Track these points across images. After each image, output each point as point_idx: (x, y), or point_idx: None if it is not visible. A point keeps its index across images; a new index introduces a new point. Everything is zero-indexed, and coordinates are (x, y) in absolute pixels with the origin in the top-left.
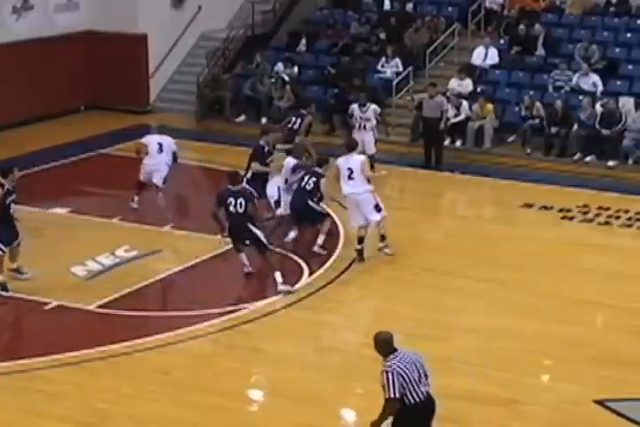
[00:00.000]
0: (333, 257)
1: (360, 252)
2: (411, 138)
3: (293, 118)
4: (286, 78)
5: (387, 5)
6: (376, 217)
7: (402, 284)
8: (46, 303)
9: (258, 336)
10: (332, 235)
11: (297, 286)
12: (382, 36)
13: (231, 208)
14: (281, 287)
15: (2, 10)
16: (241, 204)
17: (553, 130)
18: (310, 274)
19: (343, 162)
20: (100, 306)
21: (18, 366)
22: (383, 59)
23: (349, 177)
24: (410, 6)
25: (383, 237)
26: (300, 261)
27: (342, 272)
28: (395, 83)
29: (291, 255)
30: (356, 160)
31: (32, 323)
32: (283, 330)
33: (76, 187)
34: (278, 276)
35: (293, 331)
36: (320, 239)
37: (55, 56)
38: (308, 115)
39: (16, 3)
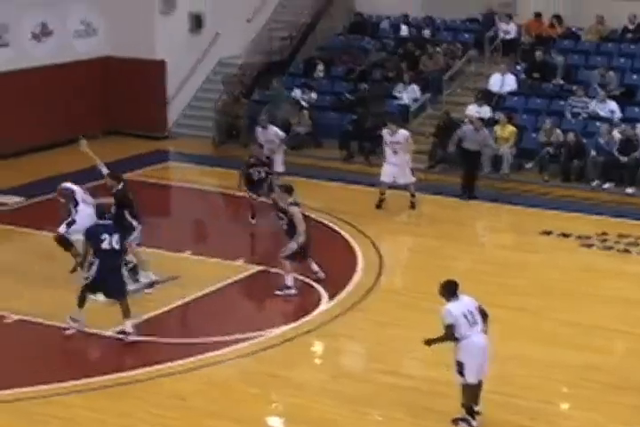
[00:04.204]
0: (351, 284)
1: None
2: (429, 164)
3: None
4: (304, 104)
5: (404, 31)
6: (405, 180)
7: (419, 311)
8: (65, 329)
9: (275, 363)
10: (350, 263)
11: (315, 312)
12: (399, 62)
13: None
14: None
15: (21, 35)
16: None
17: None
18: (328, 301)
19: (389, 136)
20: (119, 332)
21: (35, 392)
22: (400, 85)
23: (394, 151)
24: (427, 32)
25: (413, 204)
26: (319, 287)
27: (360, 299)
28: (412, 109)
29: (309, 282)
30: (400, 135)
31: (50, 348)
32: (300, 357)
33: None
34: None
35: (311, 358)
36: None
37: (73, 81)
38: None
39: (35, 28)
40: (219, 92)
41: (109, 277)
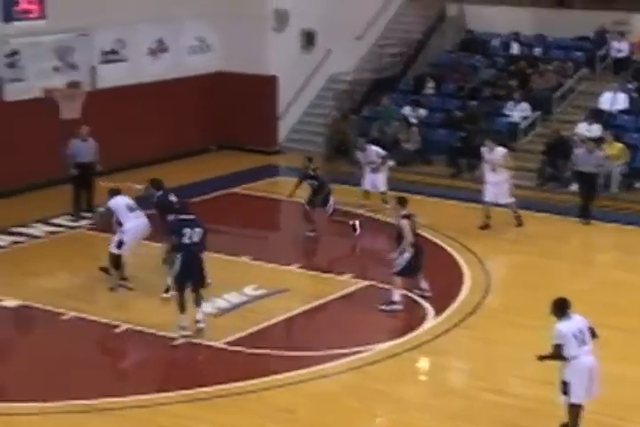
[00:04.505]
0: (458, 301)
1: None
2: (538, 182)
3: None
4: (413, 121)
5: (514, 49)
6: (504, 200)
7: (525, 329)
8: (174, 339)
9: (380, 378)
10: (456, 280)
11: (421, 328)
12: (509, 80)
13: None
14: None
15: (138, 51)
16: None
17: None
18: (434, 317)
19: (487, 153)
20: (227, 343)
21: (142, 401)
22: (511, 103)
23: (493, 169)
24: (537, 50)
25: (519, 221)
26: (425, 304)
27: (466, 316)
28: (522, 127)
29: (417, 298)
30: (498, 152)
31: (160, 358)
32: (404, 372)
33: (205, 225)
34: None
35: (415, 373)
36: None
37: (187, 96)
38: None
39: (152, 44)
40: (329, 108)
41: (193, 270)
